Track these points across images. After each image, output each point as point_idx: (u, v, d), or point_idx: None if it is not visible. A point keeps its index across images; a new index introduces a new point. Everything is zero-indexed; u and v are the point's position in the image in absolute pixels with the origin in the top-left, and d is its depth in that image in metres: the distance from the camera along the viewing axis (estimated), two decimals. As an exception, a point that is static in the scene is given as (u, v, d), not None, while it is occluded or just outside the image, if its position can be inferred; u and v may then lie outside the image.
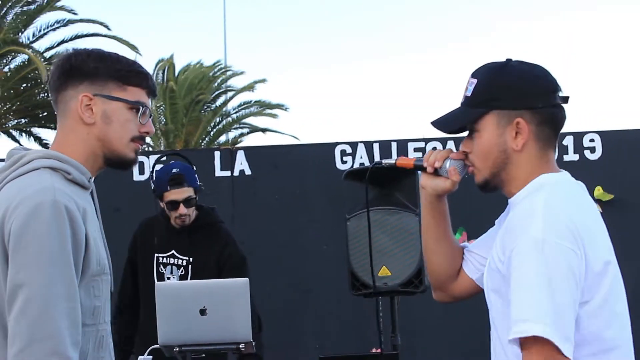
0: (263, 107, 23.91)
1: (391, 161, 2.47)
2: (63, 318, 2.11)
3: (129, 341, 4.78)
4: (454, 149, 2.40)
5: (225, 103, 24.22)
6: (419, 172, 2.45)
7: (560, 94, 2.26)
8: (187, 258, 4.73)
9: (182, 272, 4.71)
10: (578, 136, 7.09)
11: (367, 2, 61.43)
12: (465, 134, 2.31)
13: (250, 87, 23.72)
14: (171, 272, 4.72)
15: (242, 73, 25.06)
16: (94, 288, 2.30)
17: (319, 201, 6.74)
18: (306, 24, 58.20)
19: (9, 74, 18.08)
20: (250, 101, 23.88)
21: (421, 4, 59.78)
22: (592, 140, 7.10)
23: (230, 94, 24.40)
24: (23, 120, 19.36)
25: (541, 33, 55.64)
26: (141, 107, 2.34)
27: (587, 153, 7.10)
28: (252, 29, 54.42)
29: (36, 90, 18.72)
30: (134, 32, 54.97)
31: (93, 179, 2.36)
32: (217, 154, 7.82)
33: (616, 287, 2.18)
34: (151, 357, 4.40)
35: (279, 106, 23.85)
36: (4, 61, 18.35)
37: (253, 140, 25.63)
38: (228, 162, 7.75)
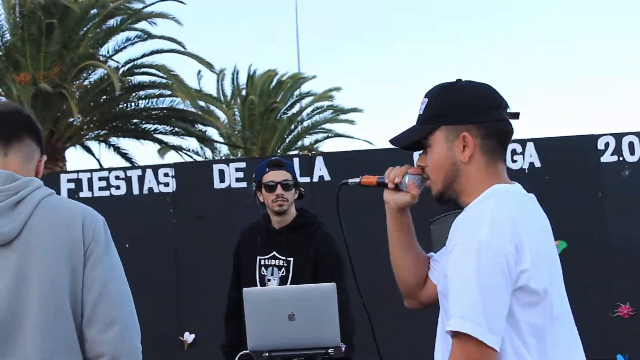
0: (337, 112, 23.94)
1: (356, 180, 2.63)
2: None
3: (234, 349, 4.74)
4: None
5: (300, 111, 24.32)
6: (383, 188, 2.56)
7: (508, 110, 2.40)
8: (287, 259, 4.75)
9: (283, 273, 4.73)
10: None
11: (438, 5, 61.13)
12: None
13: (326, 97, 23.82)
14: (272, 274, 4.74)
15: (313, 77, 25.17)
16: None
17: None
18: (375, 28, 58.13)
19: (88, 86, 18.42)
20: (324, 106, 23.94)
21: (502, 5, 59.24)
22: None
23: (305, 101, 24.50)
24: (102, 132, 19.68)
25: None
26: None
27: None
28: (324, 35, 54.57)
29: (115, 102, 19.02)
30: (209, 41, 55.41)
31: None
32: (296, 160, 7.86)
33: (552, 313, 2.28)
34: (241, 362, 4.43)
35: (354, 110, 23.86)
36: (84, 75, 18.69)
37: (329, 146, 25.71)
38: (307, 168, 7.78)
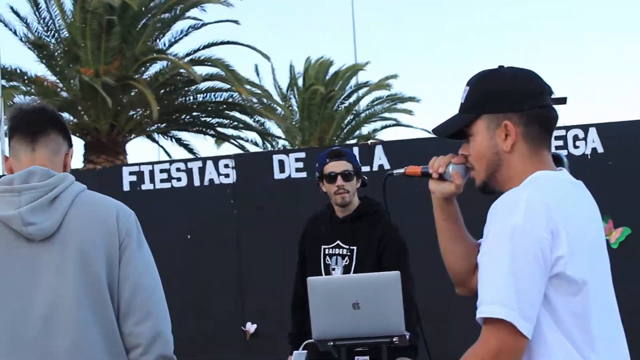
0: (395, 101, 23.85)
1: (401, 171, 2.63)
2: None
3: (301, 338, 4.77)
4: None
5: (358, 100, 24.29)
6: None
7: (553, 96, 2.36)
8: (351, 247, 4.73)
9: (346, 262, 4.72)
10: None
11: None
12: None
13: (383, 86, 23.72)
14: (336, 263, 4.74)
15: (368, 63, 25.09)
16: None
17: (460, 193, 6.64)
18: (432, 16, 57.77)
19: (148, 80, 18.58)
20: (383, 96, 23.90)
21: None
22: None
23: (362, 90, 24.45)
24: (163, 125, 19.86)
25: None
26: None
27: None
28: (380, 24, 54.37)
29: (174, 96, 19.18)
30: (266, 33, 55.59)
31: None
32: (355, 149, 7.82)
33: (595, 304, 2.23)
34: (305, 351, 4.42)
35: (412, 99, 23.76)
36: (143, 69, 18.87)
37: (386, 135, 25.62)
38: (367, 157, 7.75)
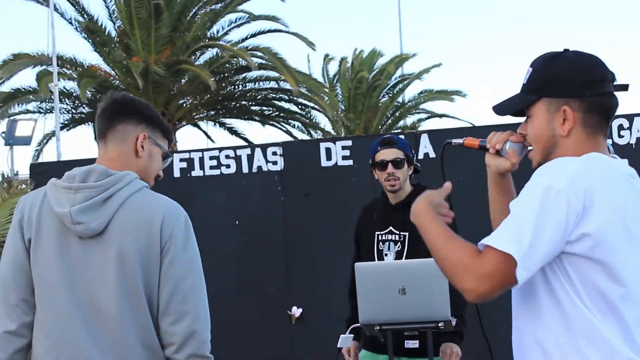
0: (441, 94, 23.79)
1: (460, 141, 2.66)
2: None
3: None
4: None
5: (402, 90, 24.23)
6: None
7: (615, 83, 2.35)
8: (402, 233, 4.73)
9: (398, 247, 4.72)
10: None
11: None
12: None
13: (426, 71, 23.64)
14: (389, 249, 4.73)
15: (414, 55, 25.01)
16: None
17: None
18: (481, 10, 57.32)
19: (199, 68, 18.67)
20: (431, 90, 23.84)
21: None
22: None
23: (407, 81, 24.38)
24: (212, 113, 19.97)
25: None
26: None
27: None
28: (427, 16, 54.08)
29: (223, 84, 19.25)
30: (310, 25, 55.56)
31: None
32: (401, 138, 7.82)
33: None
34: (352, 335, 4.44)
35: (457, 92, 23.68)
36: (193, 57, 18.96)
37: (430, 126, 25.52)
38: (413, 145, 7.72)
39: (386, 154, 4.75)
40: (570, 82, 2.31)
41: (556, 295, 2.23)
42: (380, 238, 4.79)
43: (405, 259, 4.66)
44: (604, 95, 2.32)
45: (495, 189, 2.60)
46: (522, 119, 2.49)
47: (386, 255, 4.72)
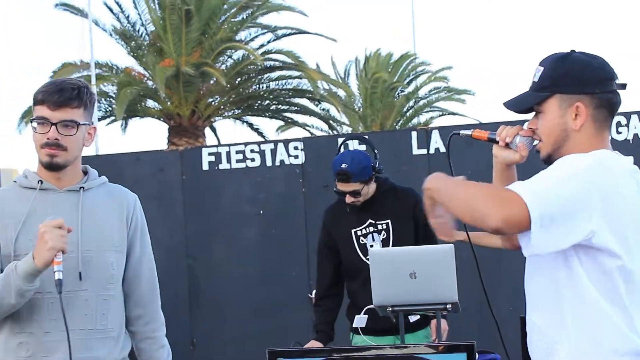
0: (451, 92, 23.81)
1: (468, 132, 2.60)
2: None
3: (331, 325, 4.71)
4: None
5: (416, 89, 24.23)
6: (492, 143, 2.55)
7: (617, 82, 2.37)
8: (384, 221, 4.66)
9: (383, 235, 4.65)
10: None
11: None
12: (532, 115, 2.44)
13: (440, 79, 23.69)
14: (373, 239, 4.66)
15: (430, 64, 24.98)
16: None
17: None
18: (492, 11, 57.08)
19: (225, 70, 18.76)
20: (440, 87, 23.86)
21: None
22: None
23: (420, 79, 24.37)
24: (238, 111, 20.04)
25: None
26: (37, 121, 2.78)
27: None
28: (439, 17, 53.92)
29: (249, 84, 19.32)
30: (328, 25, 55.52)
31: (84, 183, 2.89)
32: (413, 133, 7.82)
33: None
34: (367, 316, 4.47)
35: (466, 92, 23.72)
36: (221, 59, 19.04)
37: (442, 123, 25.51)
38: (424, 141, 7.73)
39: (343, 186, 4.57)
40: (582, 79, 2.33)
41: (574, 280, 2.23)
42: (359, 233, 4.68)
43: (393, 244, 4.59)
44: (611, 92, 2.35)
45: (500, 180, 2.57)
46: (525, 116, 2.49)
47: (372, 246, 4.61)
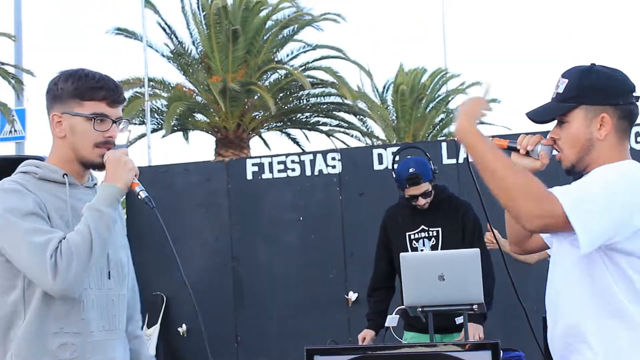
0: (478, 102, 23.71)
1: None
2: None
3: (382, 315, 4.75)
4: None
5: (447, 102, 24.15)
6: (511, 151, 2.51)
7: (635, 94, 2.34)
8: (435, 229, 4.70)
9: (433, 242, 4.69)
10: None
11: None
12: (553, 124, 2.39)
13: (463, 91, 23.63)
14: (423, 245, 4.70)
15: (458, 75, 24.91)
16: None
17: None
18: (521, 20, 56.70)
19: (268, 86, 18.89)
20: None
21: None
22: None
23: (450, 93, 24.30)
24: (279, 124, 20.13)
25: None
26: (95, 118, 2.44)
27: None
28: (470, 32, 53.67)
29: (290, 99, 19.42)
30: (366, 44, 55.53)
31: (90, 178, 2.55)
32: (443, 144, 7.82)
33: None
34: (397, 316, 4.48)
35: (492, 100, 23.56)
36: (264, 77, 19.17)
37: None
38: (453, 151, 7.72)
39: (415, 190, 4.58)
40: (608, 91, 2.30)
41: (600, 283, 2.21)
42: (412, 237, 4.73)
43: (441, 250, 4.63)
44: (632, 104, 2.33)
45: None
46: (544, 127, 2.46)
47: (422, 250, 4.67)
